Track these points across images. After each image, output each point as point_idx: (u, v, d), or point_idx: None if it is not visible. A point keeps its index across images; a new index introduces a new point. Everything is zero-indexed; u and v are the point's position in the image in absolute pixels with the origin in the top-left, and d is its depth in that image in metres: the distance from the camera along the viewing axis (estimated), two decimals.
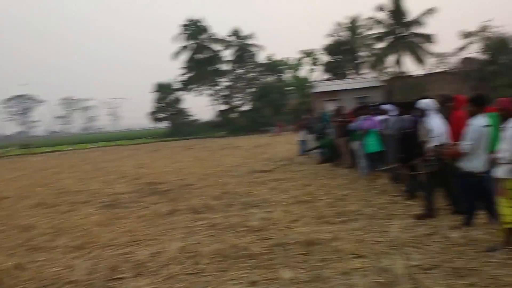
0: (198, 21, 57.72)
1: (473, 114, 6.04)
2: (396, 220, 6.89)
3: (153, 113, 61.87)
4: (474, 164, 5.95)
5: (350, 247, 5.60)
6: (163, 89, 60.25)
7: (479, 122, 5.89)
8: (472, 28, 48.39)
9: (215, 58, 59.30)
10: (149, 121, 65.15)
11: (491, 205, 6.11)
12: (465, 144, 6.01)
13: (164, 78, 68.88)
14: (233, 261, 5.51)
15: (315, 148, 15.62)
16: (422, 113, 7.12)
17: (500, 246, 5.13)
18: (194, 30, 57.18)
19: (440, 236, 5.88)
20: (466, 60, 49.09)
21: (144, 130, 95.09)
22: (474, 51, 47.75)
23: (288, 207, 8.43)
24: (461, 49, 48.47)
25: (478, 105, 6.01)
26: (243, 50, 61.53)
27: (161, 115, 62.02)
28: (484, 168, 5.94)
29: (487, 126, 5.93)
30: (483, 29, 45.98)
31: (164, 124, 64.61)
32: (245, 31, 61.86)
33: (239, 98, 67.06)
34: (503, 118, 5.39)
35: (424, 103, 7.12)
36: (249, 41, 61.57)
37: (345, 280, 4.65)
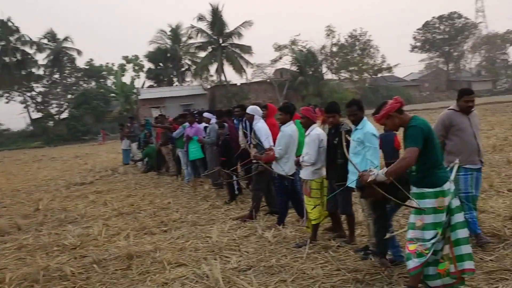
0: (5, 20, 51.72)
1: (283, 121, 6.58)
2: (217, 225, 7.10)
3: None
4: (285, 167, 6.46)
5: (171, 257, 5.57)
6: None
7: (288, 129, 6.43)
8: (284, 41, 52.78)
9: (27, 61, 53.87)
10: None
11: (299, 205, 6.73)
12: (277, 149, 6.50)
13: None
14: (44, 285, 5.04)
15: (141, 159, 15.26)
16: (250, 118, 7.49)
17: (306, 242, 5.64)
18: (1, 30, 51.13)
19: (256, 237, 6.23)
20: (280, 71, 53.52)
21: None
22: (286, 62, 52.28)
23: (108, 220, 8.05)
24: (275, 60, 52.65)
25: (287, 113, 6.56)
26: (59, 53, 57.17)
27: None
28: (293, 170, 6.50)
29: (295, 132, 6.52)
30: (293, 42, 50.63)
31: None
32: (60, 34, 57.68)
33: (56, 105, 62.14)
34: (305, 125, 5.96)
35: (251, 109, 7.49)
36: (66, 44, 57.49)
37: None
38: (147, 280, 4.96)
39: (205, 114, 10.81)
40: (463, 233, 3.76)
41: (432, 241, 3.69)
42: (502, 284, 4.00)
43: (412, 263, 3.73)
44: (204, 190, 10.11)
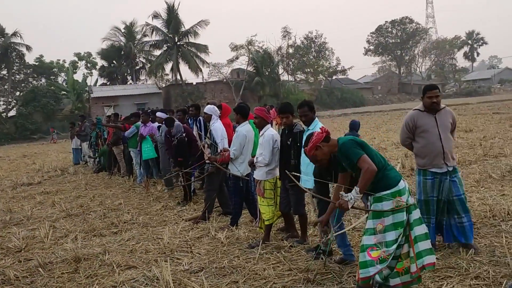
0: None
1: (238, 122, 6.55)
2: (169, 226, 6.99)
3: None
4: (241, 168, 6.43)
5: (120, 259, 5.43)
6: None
7: (243, 129, 6.39)
8: (240, 41, 52.90)
9: None
10: None
11: (253, 205, 6.74)
12: (232, 150, 6.46)
13: None
14: None
15: (94, 158, 14.82)
16: (208, 118, 7.40)
17: (259, 242, 5.63)
18: None
19: (209, 238, 6.17)
20: (236, 71, 53.55)
21: None
22: (243, 63, 52.37)
23: (55, 222, 7.78)
24: (232, 60, 52.62)
25: (242, 114, 6.53)
26: (7, 49, 54.72)
27: None
28: (248, 171, 6.48)
29: (250, 132, 6.50)
30: (250, 43, 50.76)
31: None
32: (8, 28, 55.26)
33: (4, 103, 59.57)
34: (259, 125, 5.95)
35: (209, 108, 7.40)
36: (14, 40, 55.10)
37: None
38: (95, 283, 4.80)
39: (158, 114, 10.66)
40: (420, 229, 3.79)
41: (394, 246, 3.70)
42: (447, 282, 4.12)
43: (374, 269, 3.70)
44: (157, 190, 9.94)
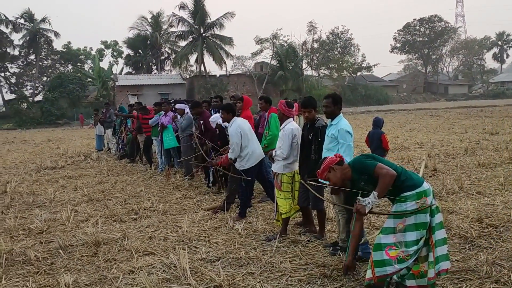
0: None
1: (226, 120, 6.86)
2: (188, 214, 7.04)
3: None
4: (247, 162, 6.60)
5: (139, 245, 5.50)
6: None
7: (233, 127, 6.62)
8: (265, 34, 52.75)
9: (2, 40, 52.46)
10: None
11: (271, 189, 6.80)
12: (230, 151, 6.64)
13: None
14: (6, 269, 4.91)
15: (122, 145, 14.97)
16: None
17: (276, 235, 5.64)
18: None
19: (226, 229, 6.20)
20: (260, 64, 53.45)
21: None
22: (267, 56, 52.25)
23: (77, 206, 7.92)
24: (256, 53, 52.55)
25: (228, 112, 6.80)
26: (36, 34, 55.79)
27: None
28: (253, 163, 6.67)
29: (242, 125, 6.67)
30: (275, 36, 50.57)
31: None
32: (38, 14, 56.27)
33: (31, 87, 60.84)
34: (281, 119, 5.95)
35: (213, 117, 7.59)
36: (43, 26, 56.14)
37: (130, 279, 4.53)
38: (113, 267, 4.88)
39: (177, 106, 10.66)
40: (440, 234, 3.73)
41: (414, 247, 3.64)
42: (466, 284, 4.06)
43: (392, 269, 3.65)
44: (177, 179, 10.02)
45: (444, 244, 3.75)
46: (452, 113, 31.34)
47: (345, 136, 4.87)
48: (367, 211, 3.77)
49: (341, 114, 5.13)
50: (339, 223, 5.09)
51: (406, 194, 3.72)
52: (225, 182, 8.96)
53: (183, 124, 9.91)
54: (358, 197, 3.81)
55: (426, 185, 3.76)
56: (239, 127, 6.54)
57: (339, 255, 4.80)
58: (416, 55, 76.46)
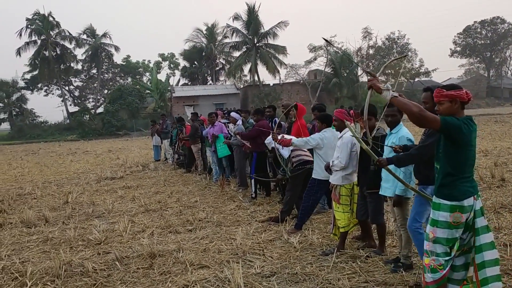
0: (46, 15, 53.10)
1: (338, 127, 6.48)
2: (242, 226, 6.95)
3: None
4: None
5: (193, 258, 5.45)
6: (4, 87, 54.25)
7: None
8: (319, 42, 52.33)
9: (66, 56, 55.21)
10: None
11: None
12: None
13: (7, 75, 62.58)
14: (64, 281, 4.99)
15: (179, 154, 15.20)
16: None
17: (333, 250, 5.41)
18: (42, 25, 52.54)
19: (281, 242, 6.03)
20: (313, 72, 53.03)
21: None
22: (321, 64, 51.77)
23: (134, 217, 8.02)
24: (310, 61, 52.19)
25: (323, 122, 6.42)
26: (97, 49, 58.43)
27: (2, 116, 55.95)
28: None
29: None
30: (329, 44, 49.97)
31: (5, 126, 58.29)
32: (99, 30, 58.90)
33: (93, 100, 63.70)
34: (339, 127, 5.73)
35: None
36: (104, 40, 58.72)
37: None
38: (168, 281, 4.83)
39: (232, 114, 10.71)
40: (489, 255, 3.39)
41: (446, 257, 3.39)
42: None
43: (427, 278, 3.46)
44: (231, 189, 9.98)
45: (494, 265, 3.40)
46: None
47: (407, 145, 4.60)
48: (384, 93, 3.49)
49: (401, 122, 4.86)
50: (401, 237, 4.81)
51: (441, 201, 3.40)
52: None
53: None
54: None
55: (470, 202, 3.34)
56: (325, 137, 6.30)
57: (401, 272, 4.52)
58: (478, 58, 73.23)
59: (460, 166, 3.36)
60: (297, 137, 6.73)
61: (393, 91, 3.49)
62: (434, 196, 3.51)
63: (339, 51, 48.07)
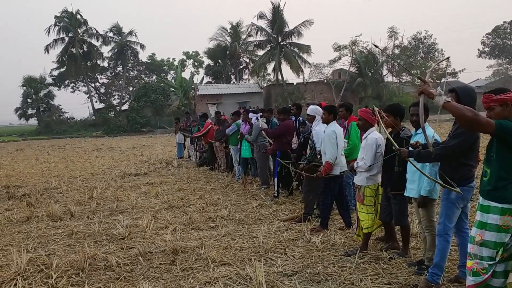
0: (74, 13, 54.06)
1: (326, 121, 6.43)
2: (264, 225, 6.95)
3: (20, 108, 56.80)
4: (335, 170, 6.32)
5: (215, 255, 5.48)
6: (33, 84, 55.49)
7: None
8: (344, 41, 51.86)
9: (93, 53, 56.10)
10: (17, 117, 59.38)
11: (347, 212, 6.56)
12: (328, 156, 6.33)
13: (35, 72, 63.92)
14: (89, 274, 5.07)
15: (201, 152, 15.29)
16: (310, 119, 7.28)
17: (356, 250, 5.36)
18: (70, 22, 53.51)
19: (303, 241, 6.01)
20: (338, 71, 52.59)
21: (10, 127, 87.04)
22: (345, 63, 51.31)
23: (157, 213, 8.11)
24: (334, 61, 51.78)
25: (330, 113, 6.38)
26: (123, 47, 59.19)
27: (30, 112, 57.20)
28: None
29: (338, 130, 6.40)
30: (353, 43, 49.57)
31: (33, 121, 59.62)
32: (125, 27, 59.62)
33: (118, 97, 64.61)
34: (363, 127, 5.68)
35: (312, 109, 7.23)
36: (130, 38, 59.45)
37: None
38: (190, 277, 4.87)
39: (250, 115, 10.65)
40: None
41: (491, 262, 3.32)
42: None
43: (468, 281, 3.43)
44: (254, 188, 9.98)
45: None
46: None
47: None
48: (436, 98, 3.45)
49: (427, 123, 4.78)
50: (425, 240, 4.74)
51: (491, 204, 3.33)
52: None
53: (252, 134, 9.99)
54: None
55: None
56: (336, 132, 6.30)
57: (425, 274, 4.45)
58: (507, 59, 71.57)
59: None
60: None
61: (441, 91, 3.44)
62: (481, 199, 3.45)
63: (390, 57, 47.56)
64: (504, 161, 3.32)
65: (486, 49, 71.48)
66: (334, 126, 6.39)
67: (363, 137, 5.64)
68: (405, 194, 4.83)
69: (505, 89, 3.43)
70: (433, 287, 4.23)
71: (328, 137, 6.26)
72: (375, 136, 5.42)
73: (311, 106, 7.30)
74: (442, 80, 61.24)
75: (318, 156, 6.82)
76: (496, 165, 3.35)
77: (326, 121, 6.44)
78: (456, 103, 3.41)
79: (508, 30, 69.01)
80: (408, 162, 4.66)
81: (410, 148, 4.42)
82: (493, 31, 70.04)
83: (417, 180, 4.61)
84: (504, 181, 3.31)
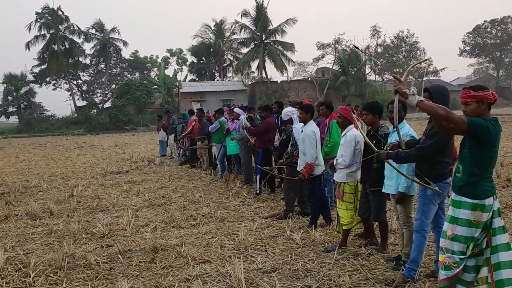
0: (55, 9, 53.27)
1: (303, 121, 6.48)
2: (245, 222, 6.97)
3: (0, 106, 55.87)
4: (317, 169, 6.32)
5: (195, 252, 5.47)
6: (13, 81, 54.57)
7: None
8: (327, 40, 52.08)
9: (75, 50, 55.38)
10: None
11: (326, 209, 6.60)
12: (308, 157, 6.38)
13: (16, 69, 62.97)
14: (67, 273, 5.02)
15: (184, 149, 15.20)
16: (290, 122, 7.34)
17: (335, 247, 5.41)
18: (51, 19, 52.73)
19: (284, 238, 6.04)
20: (321, 69, 52.79)
21: None
22: (329, 62, 51.56)
23: (138, 211, 8.07)
24: (317, 59, 51.96)
25: (308, 112, 6.42)
26: (106, 44, 58.57)
27: (11, 109, 56.29)
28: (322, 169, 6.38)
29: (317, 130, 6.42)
30: (337, 41, 49.82)
31: (14, 119, 58.66)
32: (108, 24, 58.98)
33: (100, 94, 63.95)
34: (342, 125, 5.72)
35: (286, 113, 7.37)
36: (112, 35, 58.85)
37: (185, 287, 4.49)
38: (169, 275, 4.86)
39: (236, 110, 10.71)
40: (505, 256, 3.39)
41: (462, 256, 3.41)
42: None
43: (440, 275, 3.52)
44: (236, 186, 9.99)
45: (510, 268, 3.38)
46: None
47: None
48: (409, 93, 3.52)
49: (404, 120, 4.85)
50: (403, 236, 4.81)
51: (463, 199, 3.42)
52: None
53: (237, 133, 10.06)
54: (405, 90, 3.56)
55: (490, 201, 3.38)
56: (315, 132, 6.33)
57: (402, 270, 4.51)
58: (487, 58, 72.71)
59: (485, 166, 3.42)
60: None
61: (414, 91, 3.49)
62: (454, 194, 3.54)
63: (370, 57, 47.84)
64: (476, 158, 3.40)
65: (467, 48, 72.49)
66: (313, 126, 6.42)
67: (342, 134, 5.69)
68: (383, 190, 4.88)
69: (484, 86, 3.49)
70: (409, 282, 4.29)
71: (308, 138, 6.27)
72: (354, 133, 5.47)
73: (284, 111, 7.47)
74: (424, 79, 61.99)
75: (295, 153, 6.89)
76: (468, 161, 3.42)
77: (304, 120, 6.47)
78: (429, 102, 3.47)
79: (489, 29, 70.06)
80: None
81: (388, 149, 4.46)
82: (474, 30, 71.09)
83: (395, 177, 4.66)
84: (475, 177, 3.39)
